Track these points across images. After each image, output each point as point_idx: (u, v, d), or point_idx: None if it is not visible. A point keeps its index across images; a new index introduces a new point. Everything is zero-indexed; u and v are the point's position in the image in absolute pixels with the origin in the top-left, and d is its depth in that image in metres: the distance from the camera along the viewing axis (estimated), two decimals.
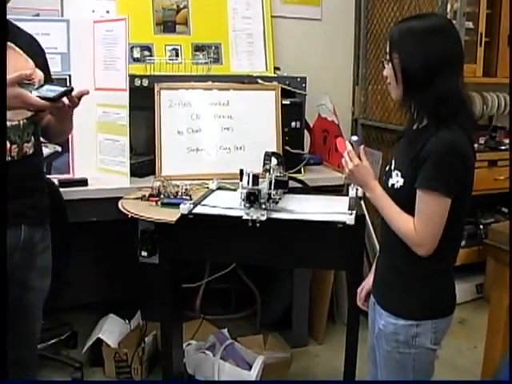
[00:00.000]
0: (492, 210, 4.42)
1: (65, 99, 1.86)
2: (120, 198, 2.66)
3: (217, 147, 3.16)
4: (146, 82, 3.18)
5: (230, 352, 3.07)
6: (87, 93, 1.92)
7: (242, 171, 2.28)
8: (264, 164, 2.50)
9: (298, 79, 3.44)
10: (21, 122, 1.93)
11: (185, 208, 2.31)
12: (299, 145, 3.38)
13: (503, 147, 4.29)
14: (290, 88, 3.40)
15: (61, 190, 2.80)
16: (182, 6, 3.66)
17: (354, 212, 2.23)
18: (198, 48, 3.65)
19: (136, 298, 3.44)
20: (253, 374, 2.91)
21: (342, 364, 2.48)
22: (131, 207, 2.51)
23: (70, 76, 3.06)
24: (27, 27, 3.03)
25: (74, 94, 1.88)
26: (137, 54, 3.49)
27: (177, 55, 3.58)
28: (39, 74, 2.01)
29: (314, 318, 3.61)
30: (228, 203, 2.39)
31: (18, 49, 1.95)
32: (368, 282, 2.08)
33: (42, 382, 3.12)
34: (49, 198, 2.16)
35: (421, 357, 1.82)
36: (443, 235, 1.71)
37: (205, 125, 3.16)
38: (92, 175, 3.00)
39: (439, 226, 1.70)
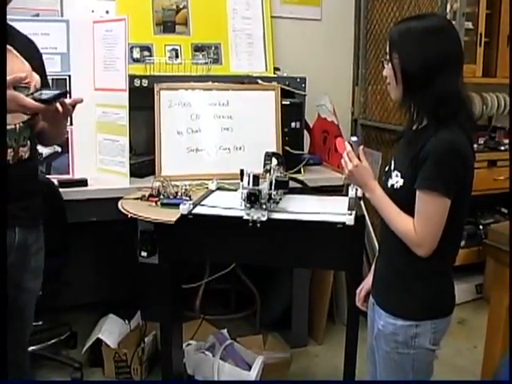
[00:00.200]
0: (492, 211, 4.42)
1: (59, 105, 1.86)
2: (120, 198, 2.66)
3: (216, 147, 3.16)
4: (145, 83, 3.18)
5: (230, 352, 3.07)
6: (81, 101, 1.92)
7: (242, 171, 2.28)
8: (264, 164, 2.50)
9: (298, 79, 3.44)
10: (17, 125, 1.94)
11: (184, 208, 2.31)
12: (299, 145, 3.38)
13: (503, 147, 4.29)
14: (289, 88, 3.40)
15: (60, 190, 2.81)
16: (181, 7, 3.66)
17: (354, 212, 2.23)
18: (198, 48, 3.65)
19: (136, 298, 3.43)
20: (252, 375, 2.91)
21: (341, 364, 2.48)
22: (131, 207, 2.51)
23: (69, 76, 3.06)
24: (27, 27, 3.02)
25: (68, 101, 1.89)
26: (136, 54, 3.49)
27: (176, 55, 3.58)
28: (35, 77, 2.02)
29: (314, 318, 3.61)
30: (228, 203, 2.39)
31: (14, 51, 1.95)
32: (367, 283, 2.08)
33: (42, 382, 3.13)
34: (42, 200, 2.17)
35: (420, 357, 1.82)
36: (443, 236, 1.71)
37: (204, 125, 3.16)
38: (92, 175, 3.00)
39: (439, 227, 1.70)
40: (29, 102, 1.75)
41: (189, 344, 3.12)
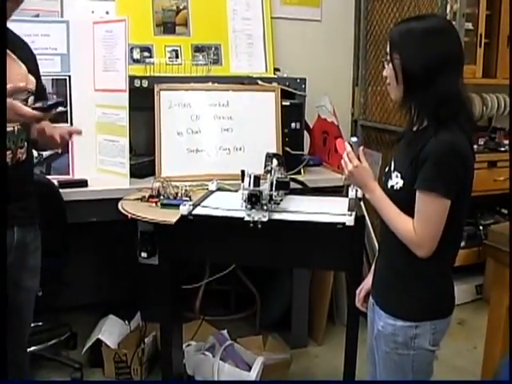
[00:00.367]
0: (492, 211, 4.42)
1: (57, 136, 1.90)
2: (120, 198, 2.66)
3: (216, 148, 3.16)
4: (145, 83, 3.18)
5: (230, 353, 3.07)
6: (80, 133, 1.96)
7: (243, 172, 2.28)
8: (265, 165, 2.50)
9: (298, 80, 3.45)
10: (15, 128, 1.95)
11: (184, 209, 2.31)
12: (299, 146, 3.38)
13: (503, 148, 4.29)
14: (289, 89, 3.40)
15: (60, 190, 2.80)
16: (181, 7, 3.66)
17: (354, 213, 2.23)
18: (198, 49, 3.65)
19: (136, 299, 3.45)
20: (252, 375, 2.91)
21: (341, 365, 2.48)
22: (131, 208, 2.51)
23: (69, 77, 3.07)
24: (27, 28, 3.04)
25: (66, 130, 1.98)
26: (136, 54, 3.49)
27: (177, 56, 3.58)
28: (31, 80, 2.05)
29: (314, 318, 3.61)
30: (228, 204, 2.39)
31: (11, 54, 1.96)
32: (367, 283, 2.08)
33: (42, 382, 3.13)
34: (37, 199, 2.18)
35: (419, 358, 1.82)
36: (443, 236, 1.71)
37: (204, 126, 3.16)
38: (92, 176, 3.00)
39: (439, 227, 1.70)
40: (27, 110, 1.77)
41: (189, 345, 3.12)
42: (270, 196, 2.26)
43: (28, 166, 2.11)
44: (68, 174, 3.05)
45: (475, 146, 1.83)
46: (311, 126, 3.77)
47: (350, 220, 2.18)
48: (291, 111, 3.32)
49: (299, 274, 3.40)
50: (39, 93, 2.13)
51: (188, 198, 2.56)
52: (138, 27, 3.46)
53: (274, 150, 3.01)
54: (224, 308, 3.92)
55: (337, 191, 3.11)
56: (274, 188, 2.29)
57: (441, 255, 1.74)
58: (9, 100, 1.72)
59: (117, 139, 3.04)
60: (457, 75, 1.74)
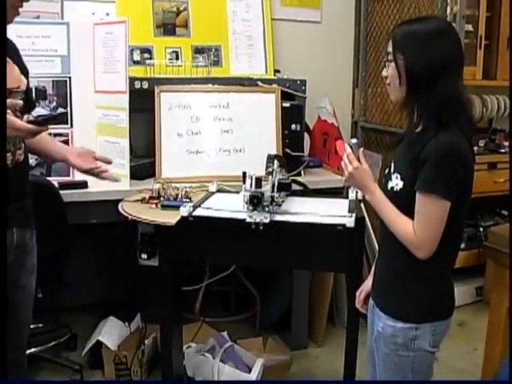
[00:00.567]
0: (492, 213, 4.42)
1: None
2: (120, 200, 2.66)
3: (216, 149, 3.16)
4: (145, 85, 3.18)
5: (230, 354, 3.07)
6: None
7: (244, 174, 2.28)
8: (267, 167, 2.50)
9: (298, 82, 3.45)
10: None
11: (185, 210, 2.31)
12: (299, 147, 3.38)
13: (503, 150, 4.29)
14: (289, 90, 3.40)
15: (61, 192, 2.80)
16: (181, 9, 3.66)
17: (354, 214, 2.23)
18: (198, 50, 3.65)
19: (136, 301, 3.45)
20: (252, 377, 2.92)
21: (341, 366, 2.48)
22: (131, 209, 2.51)
23: (70, 78, 3.07)
24: (27, 30, 3.05)
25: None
26: (137, 56, 3.49)
27: (177, 58, 3.58)
28: (23, 81, 2.07)
29: (314, 320, 3.61)
30: (229, 206, 2.39)
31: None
32: (367, 285, 2.08)
33: (42, 382, 3.13)
34: (32, 199, 2.20)
35: (419, 359, 1.82)
36: (443, 238, 1.71)
37: (205, 127, 3.16)
38: (92, 177, 2.99)
39: (439, 229, 1.70)
40: (22, 124, 1.78)
41: (189, 346, 3.12)
42: (272, 197, 2.26)
43: (25, 166, 2.13)
44: (68, 175, 3.05)
45: (475, 148, 1.84)
46: (311, 128, 3.77)
47: (350, 221, 2.18)
48: (291, 113, 3.32)
49: (299, 275, 3.40)
50: (27, 92, 2.14)
51: (188, 200, 2.56)
52: (139, 29, 3.46)
53: (274, 152, 3.00)
54: (224, 309, 3.92)
55: (337, 193, 3.11)
56: (275, 189, 2.29)
57: (441, 257, 1.74)
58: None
59: (117, 140, 3.04)
60: (457, 77, 1.75)
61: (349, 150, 1.89)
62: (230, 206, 2.38)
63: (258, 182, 2.21)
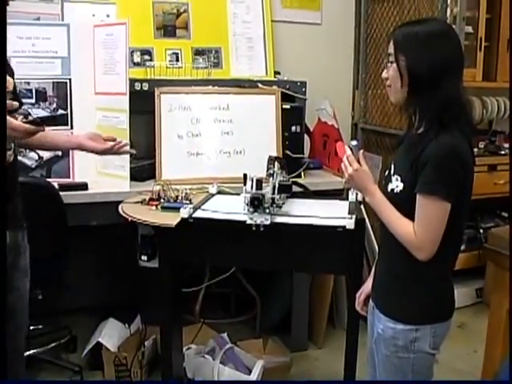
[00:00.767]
0: (492, 215, 4.41)
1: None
2: (120, 202, 2.67)
3: (217, 151, 3.16)
4: (146, 86, 3.19)
5: (230, 356, 3.07)
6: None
7: (245, 176, 2.28)
8: (268, 168, 2.50)
9: (298, 83, 3.45)
10: None
11: (185, 212, 2.31)
12: (299, 149, 3.38)
13: (503, 152, 4.29)
14: (290, 92, 3.40)
15: (61, 193, 2.80)
16: (182, 11, 3.66)
17: (354, 216, 2.24)
18: (198, 52, 3.65)
19: (136, 302, 3.45)
20: (252, 378, 2.91)
21: (341, 368, 2.48)
22: (131, 211, 2.51)
23: (70, 80, 3.07)
24: (28, 31, 3.06)
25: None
26: (137, 58, 3.49)
27: (177, 59, 3.58)
28: (11, 82, 2.08)
29: (314, 322, 3.61)
30: (229, 207, 2.39)
31: None
32: (367, 287, 2.08)
33: (42, 382, 3.13)
34: (22, 199, 2.19)
35: (419, 361, 1.82)
36: (443, 239, 1.71)
37: (205, 129, 3.16)
38: (92, 179, 3.00)
39: (439, 231, 1.70)
40: (19, 124, 1.78)
41: (189, 348, 3.12)
42: (273, 199, 2.26)
43: (15, 166, 2.12)
44: (68, 177, 3.05)
45: (475, 150, 1.83)
46: (311, 130, 3.77)
47: (350, 223, 2.19)
48: (291, 114, 3.32)
49: (299, 277, 3.40)
50: (14, 92, 2.15)
51: (188, 201, 2.56)
52: (139, 30, 3.46)
53: (274, 154, 3.01)
54: (224, 311, 3.92)
55: (337, 194, 3.11)
56: (276, 191, 2.29)
57: (441, 258, 1.74)
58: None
59: None
60: (458, 79, 1.75)
61: (349, 151, 1.89)
62: (230, 208, 2.38)
63: (259, 183, 2.21)
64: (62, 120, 3.06)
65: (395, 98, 1.82)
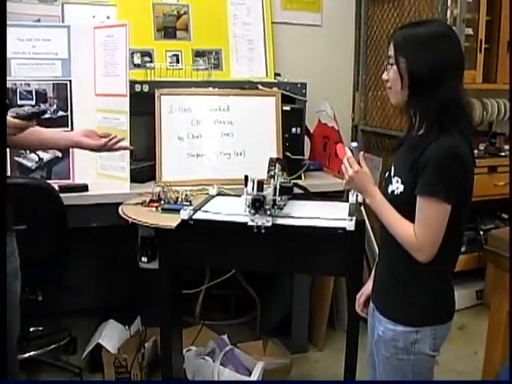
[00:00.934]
0: (492, 216, 4.41)
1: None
2: (120, 203, 2.67)
3: (217, 153, 3.16)
4: (146, 88, 3.19)
5: (230, 358, 3.07)
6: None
7: (246, 177, 2.28)
8: (269, 170, 2.50)
9: (299, 85, 3.45)
10: None
11: (185, 213, 2.31)
12: (299, 151, 3.38)
13: (503, 153, 4.29)
14: (290, 94, 3.41)
15: (61, 195, 2.80)
16: (182, 12, 3.66)
17: (354, 218, 2.23)
18: (199, 54, 3.66)
19: (136, 304, 3.45)
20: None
21: (341, 370, 2.48)
22: (131, 213, 2.51)
23: (70, 81, 3.08)
24: (28, 33, 3.06)
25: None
26: (137, 59, 3.50)
27: (177, 61, 3.59)
28: None
29: (314, 324, 3.60)
30: (229, 209, 2.39)
31: None
32: (367, 288, 2.07)
33: (42, 382, 3.13)
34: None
35: (420, 363, 1.82)
36: (443, 241, 1.71)
37: (205, 130, 3.16)
38: (92, 180, 3.00)
39: (439, 232, 1.70)
40: (8, 119, 1.76)
41: (189, 349, 3.12)
42: (274, 201, 2.26)
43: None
44: (68, 178, 3.05)
45: (475, 151, 1.83)
46: (311, 131, 3.77)
47: (350, 225, 2.18)
48: (292, 116, 3.32)
49: (299, 278, 3.40)
50: None
51: (188, 203, 2.56)
52: (139, 32, 3.46)
53: (274, 155, 3.01)
54: (224, 313, 3.92)
55: (337, 196, 3.11)
56: (277, 193, 2.29)
57: (441, 260, 1.74)
58: None
59: None
60: (458, 80, 1.75)
61: (349, 153, 1.90)
62: (231, 210, 2.38)
63: (260, 185, 2.21)
64: (63, 122, 3.06)
65: (395, 100, 1.82)
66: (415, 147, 1.73)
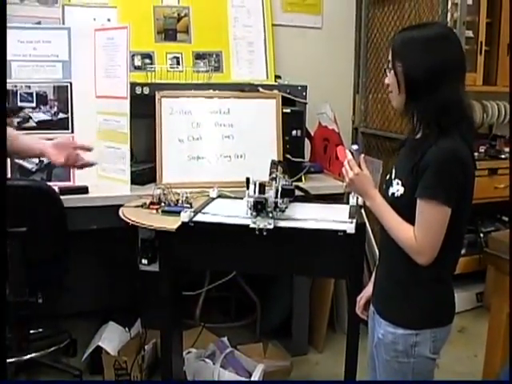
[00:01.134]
0: (492, 219, 4.41)
1: None
2: (120, 205, 2.66)
3: (217, 155, 3.16)
4: (146, 90, 3.19)
5: (230, 360, 3.07)
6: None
7: (248, 180, 2.28)
8: (270, 172, 2.50)
9: (299, 87, 3.45)
10: None
11: (185, 216, 2.31)
12: (300, 153, 3.38)
13: (503, 156, 4.29)
14: (290, 96, 3.40)
15: (61, 197, 2.80)
16: (182, 15, 3.67)
17: (355, 220, 2.24)
18: (199, 56, 3.66)
19: (136, 306, 3.44)
20: None
21: (342, 372, 2.47)
22: (132, 215, 2.51)
23: (70, 84, 3.08)
24: (29, 35, 3.06)
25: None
26: (138, 61, 3.50)
27: (178, 63, 3.59)
28: None
29: (314, 326, 3.60)
30: (229, 211, 2.39)
31: None
32: (367, 291, 2.08)
33: (42, 382, 3.13)
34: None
35: (420, 366, 1.82)
36: (443, 244, 1.71)
37: (205, 133, 3.16)
38: (92, 183, 3.00)
39: (439, 235, 1.70)
40: None
41: (189, 352, 3.12)
42: (275, 203, 2.26)
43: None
44: (69, 180, 3.05)
45: (476, 154, 1.83)
46: (312, 134, 3.77)
47: (350, 227, 2.19)
48: (292, 118, 3.32)
49: (299, 281, 3.40)
50: None
51: (189, 205, 2.56)
52: (140, 34, 3.47)
53: (274, 158, 3.01)
54: (224, 315, 3.91)
55: (338, 198, 3.11)
56: (279, 195, 2.29)
57: (441, 263, 1.74)
58: None
59: (118, 146, 3.04)
60: (458, 83, 1.75)
61: (349, 156, 1.90)
62: (231, 212, 2.38)
63: (262, 187, 2.22)
64: (63, 124, 3.06)
65: (396, 104, 1.83)
66: (415, 150, 1.73)
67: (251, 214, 2.21)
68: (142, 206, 2.63)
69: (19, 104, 3.01)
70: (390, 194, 1.82)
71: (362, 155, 1.92)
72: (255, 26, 3.82)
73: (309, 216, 2.39)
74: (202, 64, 3.62)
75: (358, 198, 2.41)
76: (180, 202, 2.60)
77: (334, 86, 4.10)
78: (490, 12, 4.14)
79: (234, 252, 2.39)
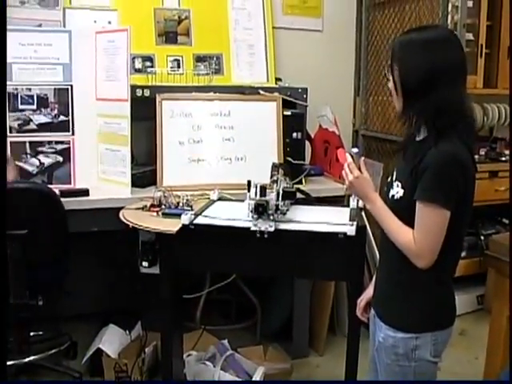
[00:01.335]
0: (493, 221, 4.41)
1: None
2: (121, 208, 2.67)
3: (218, 158, 3.16)
4: (147, 93, 3.19)
5: (231, 363, 3.07)
6: None
7: (249, 182, 2.28)
8: (272, 175, 2.50)
9: (299, 90, 3.45)
10: None
11: (186, 218, 2.31)
12: (300, 155, 3.38)
13: (504, 158, 4.29)
14: (291, 99, 3.41)
15: (62, 199, 2.80)
16: (183, 17, 3.67)
17: (355, 223, 2.24)
18: (200, 59, 3.66)
19: (136, 308, 3.44)
20: None
21: (342, 375, 2.47)
22: (132, 217, 2.51)
23: (71, 86, 3.08)
24: (30, 38, 3.07)
25: None
26: (138, 64, 3.50)
27: (178, 66, 3.59)
28: None
29: (315, 329, 3.60)
30: (230, 214, 2.39)
31: None
32: (368, 293, 2.08)
33: (42, 382, 3.13)
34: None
35: (421, 370, 1.81)
36: (443, 247, 1.71)
37: (206, 135, 3.16)
38: (93, 185, 3.01)
39: (439, 238, 1.69)
40: None
41: (189, 354, 3.12)
42: (277, 206, 2.26)
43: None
44: (69, 183, 3.06)
45: (476, 157, 1.83)
46: (312, 136, 3.77)
47: (351, 230, 2.19)
48: (292, 121, 3.32)
49: (300, 283, 3.40)
50: None
51: (189, 208, 2.56)
52: (140, 37, 3.47)
53: (275, 160, 3.01)
54: (225, 318, 3.91)
55: (338, 201, 3.11)
56: (280, 198, 2.29)
57: (441, 265, 1.74)
58: None
59: (118, 148, 3.04)
60: (458, 85, 1.75)
61: (350, 158, 1.90)
62: (232, 215, 2.38)
63: (263, 190, 2.22)
64: (64, 126, 3.07)
65: (397, 107, 1.83)
66: (415, 152, 1.74)
67: (252, 216, 2.21)
68: (142, 209, 2.64)
69: (20, 106, 3.02)
70: (390, 196, 1.82)
71: (362, 158, 1.92)
72: (256, 29, 3.82)
73: (310, 219, 2.39)
74: (203, 66, 3.62)
75: (358, 200, 2.41)
76: (180, 204, 2.61)
77: (334, 89, 4.10)
78: (490, 15, 4.14)
79: (235, 254, 2.39)
